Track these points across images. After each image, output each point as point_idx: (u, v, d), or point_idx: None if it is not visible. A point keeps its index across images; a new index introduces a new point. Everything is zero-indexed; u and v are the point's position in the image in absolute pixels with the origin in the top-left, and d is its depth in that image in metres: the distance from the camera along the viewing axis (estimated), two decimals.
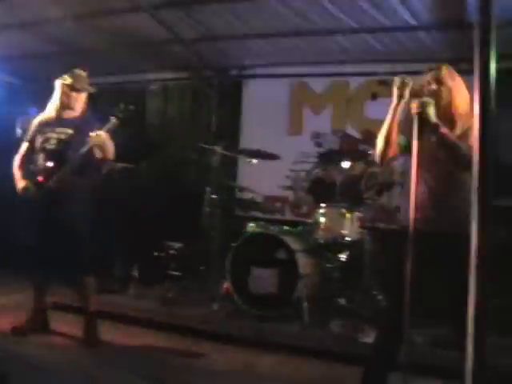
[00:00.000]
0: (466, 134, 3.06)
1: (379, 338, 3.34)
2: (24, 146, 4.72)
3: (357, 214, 5.31)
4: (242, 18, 6.21)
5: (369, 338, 4.65)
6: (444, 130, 3.00)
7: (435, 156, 3.08)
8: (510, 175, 5.83)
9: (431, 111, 3.04)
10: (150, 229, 6.53)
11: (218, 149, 5.87)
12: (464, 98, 3.21)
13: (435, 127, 3.02)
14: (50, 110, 4.73)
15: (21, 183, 4.57)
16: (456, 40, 5.95)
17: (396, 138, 3.25)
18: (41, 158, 4.60)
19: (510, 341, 4.44)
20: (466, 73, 6.23)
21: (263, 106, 7.22)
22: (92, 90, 4.74)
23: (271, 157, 5.84)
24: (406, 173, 3.23)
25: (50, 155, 4.57)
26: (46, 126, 4.68)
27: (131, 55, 7.34)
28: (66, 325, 4.89)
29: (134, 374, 3.93)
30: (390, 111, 3.24)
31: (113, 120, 4.45)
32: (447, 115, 3.15)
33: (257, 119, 7.29)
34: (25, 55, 7.49)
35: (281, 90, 7.27)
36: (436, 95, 3.14)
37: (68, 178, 4.47)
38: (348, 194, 5.37)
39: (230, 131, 7.50)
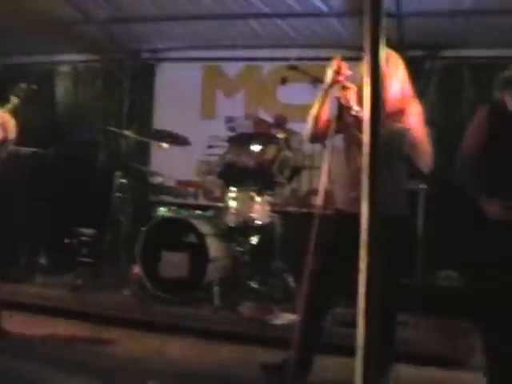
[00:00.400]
0: (395, 117, 3.16)
1: (303, 321, 3.36)
2: None
3: (267, 197, 5.35)
4: (155, 0, 6.13)
5: (279, 320, 4.75)
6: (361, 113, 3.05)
7: (357, 138, 3.13)
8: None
9: (350, 95, 3.10)
10: (59, 215, 6.37)
11: (127, 132, 5.77)
12: (396, 82, 3.28)
13: (350, 110, 3.10)
14: None
15: None
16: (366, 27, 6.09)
17: (325, 118, 3.29)
18: None
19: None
20: None
21: (176, 89, 7.14)
22: None
23: (182, 142, 5.79)
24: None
25: None
26: None
27: (40, 36, 7.08)
28: None
29: (42, 364, 3.82)
30: (322, 92, 3.28)
31: (13, 99, 4.28)
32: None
33: (170, 103, 7.20)
34: None
35: (194, 74, 7.23)
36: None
37: None
38: (259, 178, 5.39)
39: (142, 115, 7.40)
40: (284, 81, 5.64)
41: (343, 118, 3.18)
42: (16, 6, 6.26)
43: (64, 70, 7.78)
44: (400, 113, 3.24)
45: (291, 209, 6.11)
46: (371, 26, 1.41)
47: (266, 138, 5.62)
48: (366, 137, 1.34)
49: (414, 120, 3.30)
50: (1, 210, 5.34)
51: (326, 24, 6.10)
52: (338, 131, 3.17)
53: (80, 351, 4.14)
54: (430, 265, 5.58)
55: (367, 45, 1.39)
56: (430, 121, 6.03)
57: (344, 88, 3.13)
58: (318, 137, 3.40)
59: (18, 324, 4.53)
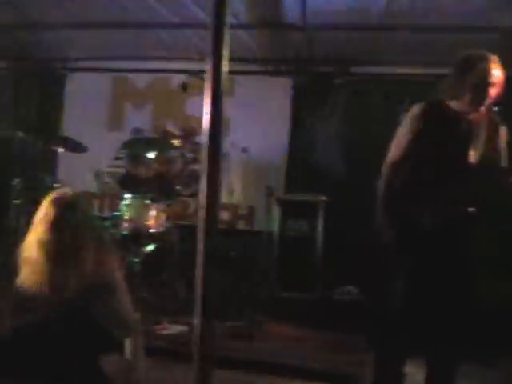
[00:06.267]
0: None
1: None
2: None
3: (163, 207, 5.26)
4: (65, 8, 6.04)
5: (168, 330, 4.66)
6: None
7: None
8: (316, 173, 6.14)
9: None
10: None
11: (21, 134, 5.62)
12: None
13: None
14: None
15: None
16: (274, 39, 6.16)
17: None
18: None
19: None
20: (283, 73, 6.61)
21: (85, 99, 7.04)
22: None
23: (77, 148, 5.70)
24: None
25: None
26: None
27: None
28: None
29: None
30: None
31: None
32: None
33: (79, 113, 7.08)
34: None
35: (103, 85, 7.15)
36: None
37: None
38: (156, 186, 5.32)
39: (50, 124, 7.24)
40: (185, 87, 5.61)
41: None
42: None
43: None
44: None
45: (194, 221, 6.04)
46: (213, 39, 1.39)
47: (166, 147, 5.56)
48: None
49: None
50: None
51: (234, 36, 6.11)
52: None
53: None
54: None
55: (209, 59, 1.37)
56: (340, 136, 6.28)
57: None
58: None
59: None
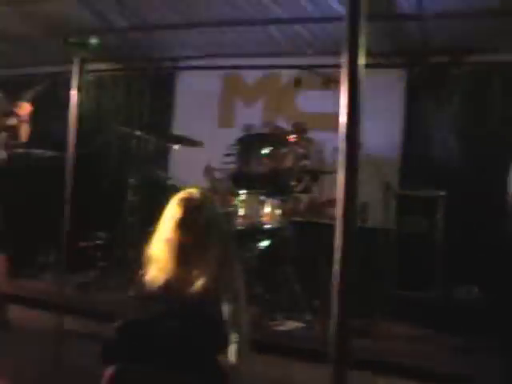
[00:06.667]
0: None
1: None
2: None
3: (278, 202, 5.22)
4: (176, 8, 6.16)
5: (283, 327, 4.64)
6: None
7: None
8: (433, 168, 5.92)
9: None
10: (75, 217, 6.38)
11: (139, 133, 5.78)
12: None
13: None
14: None
15: None
16: (387, 31, 5.98)
17: None
18: None
19: None
20: (396, 66, 6.40)
21: (196, 97, 7.19)
22: None
23: (193, 143, 5.78)
24: None
25: None
26: None
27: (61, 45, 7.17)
28: None
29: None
30: None
31: (36, 88, 4.38)
32: None
33: (189, 111, 7.24)
34: None
35: (214, 82, 7.26)
36: None
37: None
38: (270, 182, 5.29)
39: (161, 123, 7.44)
40: (298, 82, 5.57)
41: None
42: (39, 13, 6.39)
43: (88, 79, 7.85)
44: None
45: (306, 217, 5.98)
46: (349, 29, 1.35)
47: (279, 143, 5.54)
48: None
49: None
50: (17, 209, 5.40)
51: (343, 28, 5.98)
52: None
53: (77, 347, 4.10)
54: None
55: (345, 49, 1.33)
56: (457, 129, 6.02)
57: None
58: None
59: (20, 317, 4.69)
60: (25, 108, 4.46)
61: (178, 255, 2.56)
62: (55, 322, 4.37)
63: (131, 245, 5.74)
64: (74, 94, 3.06)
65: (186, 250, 2.54)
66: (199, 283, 2.54)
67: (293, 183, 5.58)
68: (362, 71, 1.33)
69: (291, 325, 4.63)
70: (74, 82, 3.05)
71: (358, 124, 1.32)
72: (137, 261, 5.45)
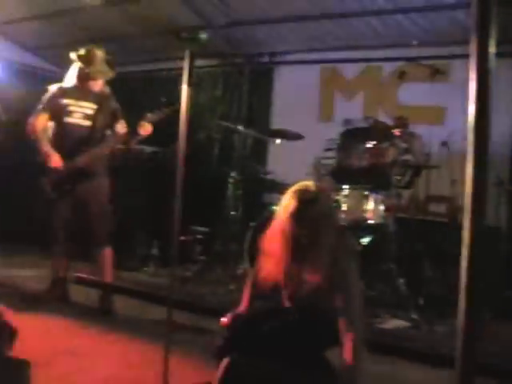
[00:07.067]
0: None
1: None
2: (42, 114, 4.72)
3: (381, 198, 5.10)
4: (272, 3, 6.15)
5: (387, 325, 4.52)
6: None
7: None
8: None
9: None
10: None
11: (241, 128, 5.81)
12: None
13: None
14: (69, 81, 4.76)
15: (54, 156, 4.60)
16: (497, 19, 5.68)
17: None
18: (66, 131, 4.65)
19: None
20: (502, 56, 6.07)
21: (294, 92, 7.14)
22: (110, 75, 4.76)
23: (294, 137, 5.74)
24: None
25: (77, 130, 4.66)
26: (66, 96, 4.71)
27: (162, 42, 7.31)
28: (85, 297, 5.09)
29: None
30: None
31: (162, 112, 4.53)
32: None
33: (288, 106, 7.18)
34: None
35: (312, 76, 7.18)
36: None
37: (98, 155, 4.65)
38: (373, 177, 5.17)
39: (260, 118, 7.45)
40: (402, 75, 5.42)
41: None
42: (138, 12, 6.56)
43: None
44: None
45: (408, 214, 5.80)
46: (478, 15, 1.29)
47: (382, 137, 5.40)
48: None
49: None
50: (122, 202, 5.57)
51: (452, 17, 5.74)
52: None
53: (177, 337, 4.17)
54: None
55: (473, 42, 1.26)
56: None
57: None
58: None
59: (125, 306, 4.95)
60: (146, 129, 4.60)
61: (292, 249, 2.52)
62: (159, 313, 4.52)
63: (232, 239, 5.80)
64: (184, 89, 3.06)
65: (300, 244, 2.49)
66: (313, 281, 2.50)
67: (397, 178, 5.44)
68: (492, 60, 1.24)
69: (396, 323, 4.50)
70: (185, 77, 3.05)
71: (489, 115, 1.25)
72: (237, 255, 5.55)
